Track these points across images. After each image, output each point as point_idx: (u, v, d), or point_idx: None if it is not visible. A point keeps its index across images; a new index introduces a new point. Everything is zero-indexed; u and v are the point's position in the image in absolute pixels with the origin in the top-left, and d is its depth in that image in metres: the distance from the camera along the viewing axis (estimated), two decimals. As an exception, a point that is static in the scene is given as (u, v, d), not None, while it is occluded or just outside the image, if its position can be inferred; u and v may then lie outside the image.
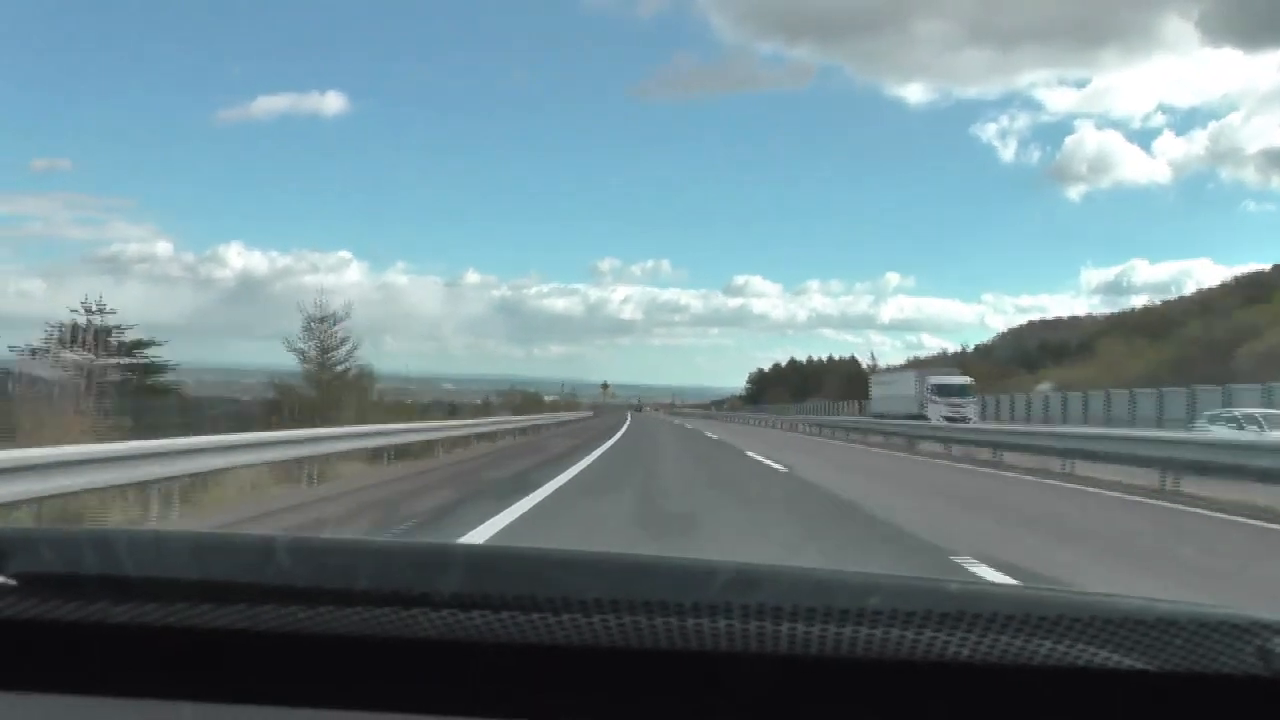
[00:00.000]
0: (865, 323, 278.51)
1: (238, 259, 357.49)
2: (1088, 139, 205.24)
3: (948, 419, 33.21)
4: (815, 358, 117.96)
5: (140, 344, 20.50)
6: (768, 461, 17.11)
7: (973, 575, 5.49)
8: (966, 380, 41.95)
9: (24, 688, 0.84)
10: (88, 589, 0.86)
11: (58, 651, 0.86)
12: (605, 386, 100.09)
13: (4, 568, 0.86)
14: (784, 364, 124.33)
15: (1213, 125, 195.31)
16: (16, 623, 0.85)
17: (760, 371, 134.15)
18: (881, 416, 40.29)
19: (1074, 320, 78.74)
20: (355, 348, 21.05)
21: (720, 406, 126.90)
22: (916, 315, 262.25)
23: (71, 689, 0.85)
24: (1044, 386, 45.29)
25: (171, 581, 0.86)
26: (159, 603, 0.84)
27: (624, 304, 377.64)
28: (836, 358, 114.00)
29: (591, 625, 0.80)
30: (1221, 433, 16.81)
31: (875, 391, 51.73)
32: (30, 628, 0.85)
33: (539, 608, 0.81)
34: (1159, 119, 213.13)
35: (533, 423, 28.84)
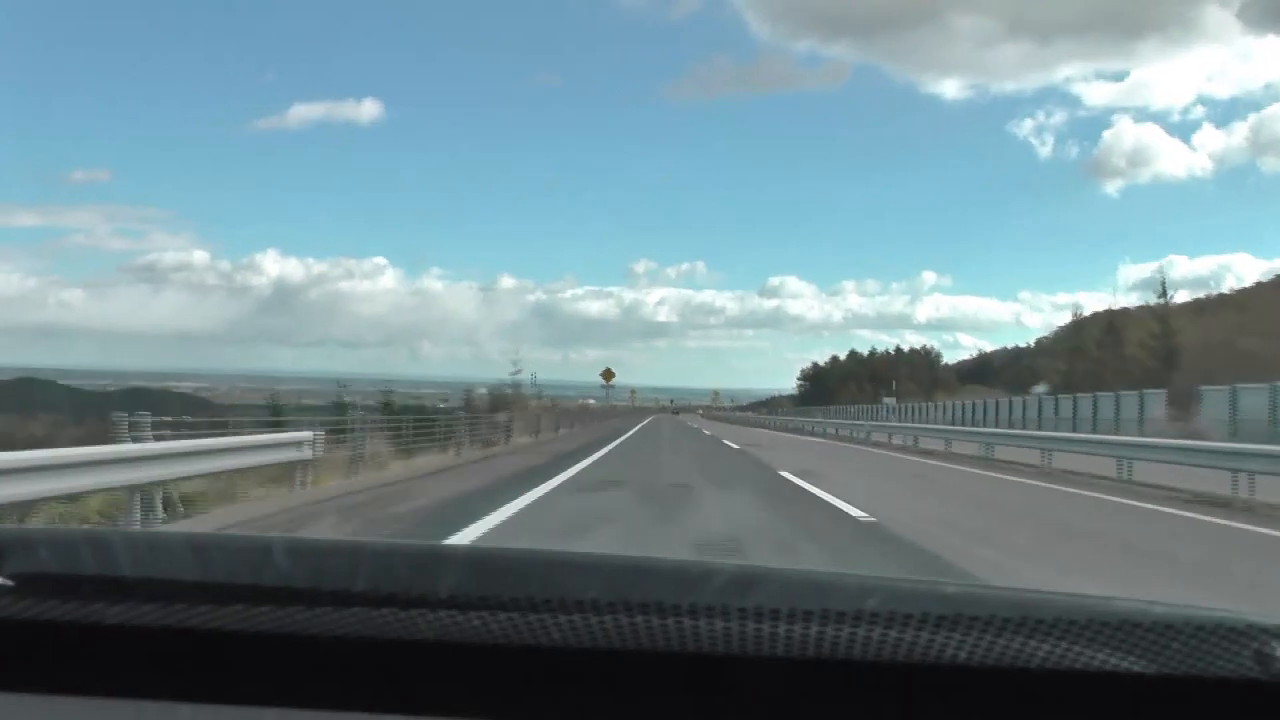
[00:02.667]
0: (901, 322, 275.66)
1: (274, 266, 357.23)
2: (1125, 133, 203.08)
3: None
4: (880, 350, 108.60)
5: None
6: None
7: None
8: None
9: (21, 688, 0.84)
10: (85, 589, 0.85)
11: (54, 652, 0.86)
12: (608, 375, 48.25)
13: (0, 568, 0.86)
14: (842, 357, 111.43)
15: (1254, 116, 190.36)
16: (13, 623, 0.85)
17: (815, 366, 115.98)
18: None
19: (1123, 313, 73.35)
20: None
21: (773, 407, 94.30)
22: (952, 314, 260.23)
23: (68, 690, 0.84)
24: (1039, 389, 44.74)
25: (169, 582, 0.86)
26: (156, 603, 0.84)
27: (659, 306, 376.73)
28: (906, 349, 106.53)
29: (589, 626, 0.80)
30: None
31: None
32: (27, 628, 0.85)
33: (537, 608, 0.81)
34: (1198, 111, 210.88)
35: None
